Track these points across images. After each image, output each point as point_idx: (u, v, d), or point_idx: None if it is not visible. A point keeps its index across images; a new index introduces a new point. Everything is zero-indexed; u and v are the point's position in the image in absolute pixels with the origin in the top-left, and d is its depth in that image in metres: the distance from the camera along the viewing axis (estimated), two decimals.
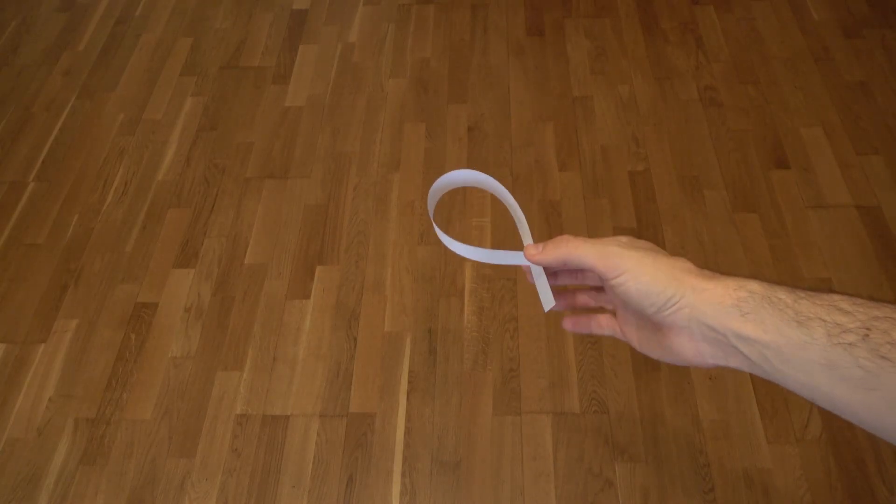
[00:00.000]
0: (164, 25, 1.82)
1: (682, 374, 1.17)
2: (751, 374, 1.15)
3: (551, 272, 0.49)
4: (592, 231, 1.35)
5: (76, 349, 1.24)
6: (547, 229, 1.36)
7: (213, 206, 1.44)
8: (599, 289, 0.51)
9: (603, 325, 0.50)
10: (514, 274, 1.30)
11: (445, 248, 1.34)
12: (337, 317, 1.26)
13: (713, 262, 1.29)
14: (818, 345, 0.33)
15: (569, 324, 0.52)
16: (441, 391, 1.17)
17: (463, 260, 1.32)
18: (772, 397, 1.13)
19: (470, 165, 1.47)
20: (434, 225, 0.51)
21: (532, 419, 1.13)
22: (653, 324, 0.43)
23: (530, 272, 0.49)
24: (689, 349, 0.40)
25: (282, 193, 1.45)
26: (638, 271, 0.40)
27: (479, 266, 1.31)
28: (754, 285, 0.37)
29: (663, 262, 0.40)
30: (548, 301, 0.47)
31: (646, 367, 1.17)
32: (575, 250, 0.43)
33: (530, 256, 0.46)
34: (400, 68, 1.68)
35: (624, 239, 0.44)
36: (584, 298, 0.51)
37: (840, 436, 1.09)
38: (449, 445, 1.11)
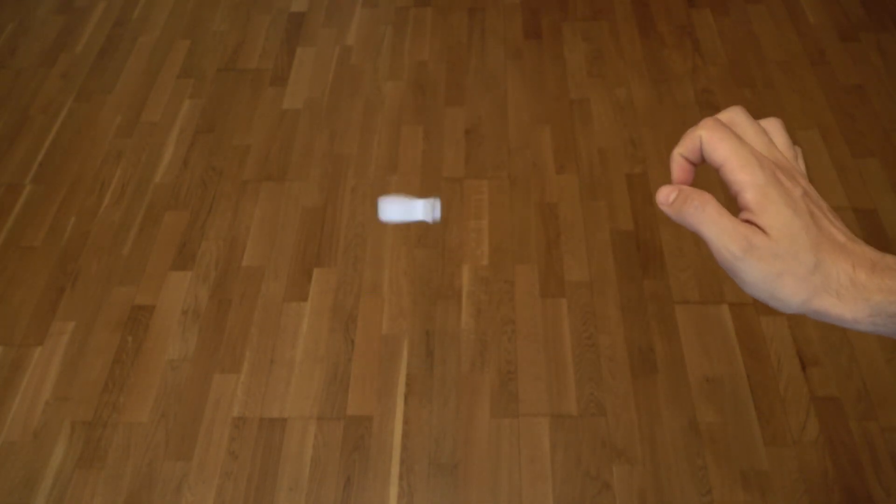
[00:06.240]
0: (162, 28, 1.82)
1: (679, 376, 1.17)
2: (748, 377, 1.16)
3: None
4: (589, 233, 1.35)
5: (73, 352, 1.24)
6: (544, 232, 1.36)
7: (211, 209, 1.43)
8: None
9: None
10: (511, 276, 1.30)
11: (443, 249, 1.34)
12: (334, 319, 1.26)
13: (711, 262, 1.30)
14: None
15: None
16: (438, 393, 1.17)
17: (461, 262, 1.32)
18: (769, 399, 1.13)
19: (467, 168, 1.47)
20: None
21: (529, 421, 1.13)
22: None
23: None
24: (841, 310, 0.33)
25: (279, 196, 1.45)
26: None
27: (476, 269, 1.31)
28: None
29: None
30: (429, 214, 0.44)
31: (643, 369, 1.17)
32: (703, 226, 0.34)
33: (663, 203, 0.36)
34: (397, 71, 1.68)
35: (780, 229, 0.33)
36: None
37: (837, 438, 1.09)
38: (446, 448, 1.11)
